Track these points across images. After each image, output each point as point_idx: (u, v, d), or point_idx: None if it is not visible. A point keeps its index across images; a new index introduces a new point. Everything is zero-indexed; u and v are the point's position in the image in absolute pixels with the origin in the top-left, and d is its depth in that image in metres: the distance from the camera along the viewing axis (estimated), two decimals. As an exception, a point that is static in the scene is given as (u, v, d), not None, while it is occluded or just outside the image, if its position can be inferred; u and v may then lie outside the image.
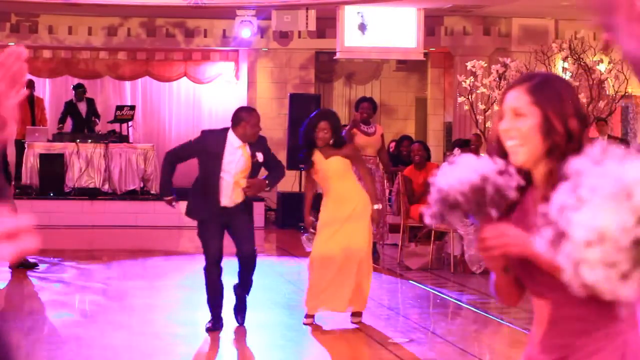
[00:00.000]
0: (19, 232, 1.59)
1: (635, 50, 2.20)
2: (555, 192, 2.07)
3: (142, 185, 15.88)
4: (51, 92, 18.08)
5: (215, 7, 15.68)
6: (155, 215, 14.96)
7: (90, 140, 15.71)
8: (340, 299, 7.84)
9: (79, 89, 16.59)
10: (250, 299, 7.80)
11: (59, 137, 15.90)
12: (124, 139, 16.12)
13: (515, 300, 2.56)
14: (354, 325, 7.92)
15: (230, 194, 7.46)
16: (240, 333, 7.70)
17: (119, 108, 16.51)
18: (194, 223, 7.67)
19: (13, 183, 13.27)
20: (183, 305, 8.87)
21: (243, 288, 7.70)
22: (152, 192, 15.72)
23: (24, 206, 12.95)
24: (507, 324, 8.03)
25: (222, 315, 7.68)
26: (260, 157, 7.49)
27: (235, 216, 7.48)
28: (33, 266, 10.61)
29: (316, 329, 7.81)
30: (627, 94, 14.58)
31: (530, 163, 2.43)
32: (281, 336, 7.72)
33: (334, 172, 7.82)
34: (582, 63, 14.09)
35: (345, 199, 7.84)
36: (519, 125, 2.42)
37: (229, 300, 7.72)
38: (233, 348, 7.54)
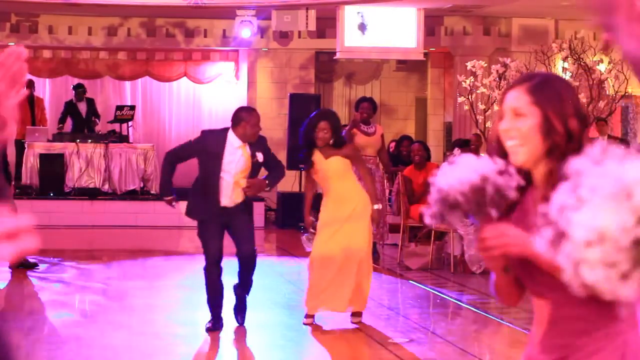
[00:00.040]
0: (19, 232, 1.59)
1: (635, 50, 2.20)
2: (555, 192, 2.07)
3: (142, 185, 15.88)
4: (51, 92, 18.08)
5: (215, 7, 15.69)
6: (155, 215, 14.96)
7: (90, 140, 15.71)
8: (341, 299, 7.84)
9: (79, 89, 16.59)
10: (250, 299, 7.80)
11: (59, 137, 15.91)
12: (124, 139, 16.12)
13: (516, 300, 2.57)
14: (354, 325, 7.93)
15: (230, 194, 7.46)
16: (240, 333, 7.70)
17: (119, 108, 16.51)
18: (194, 223, 7.67)
19: (13, 183, 13.28)
20: (183, 305, 8.87)
21: (243, 288, 7.70)
22: (152, 192, 15.72)
23: (24, 206, 12.94)
24: (507, 324, 8.03)
25: (222, 315, 7.69)
26: (260, 157, 7.49)
27: (235, 216, 7.48)
28: (33, 266, 10.61)
29: (316, 329, 7.81)
30: (627, 94, 14.58)
31: (530, 163, 2.43)
32: (281, 336, 7.73)
33: (334, 172, 7.82)
34: (582, 63, 14.09)
35: (345, 199, 7.84)
36: (519, 125, 2.42)
37: (229, 300, 7.72)
38: (233, 348, 7.54)
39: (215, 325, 7.62)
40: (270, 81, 17.65)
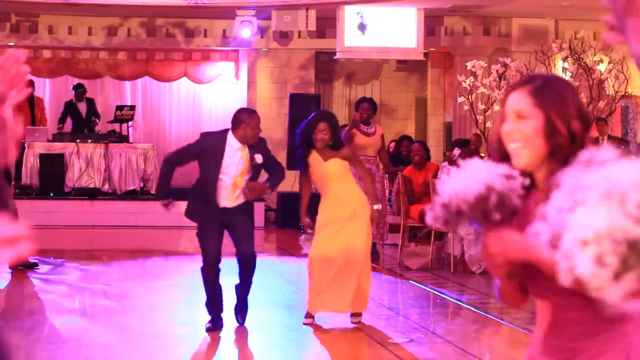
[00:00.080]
0: (17, 238, 1.61)
1: None
2: (553, 193, 2.08)
3: (142, 185, 15.88)
4: (51, 92, 18.08)
5: (215, 7, 15.69)
6: (155, 215, 14.95)
7: (90, 140, 15.72)
8: (342, 301, 7.84)
9: (79, 89, 16.59)
10: (250, 299, 7.80)
11: (59, 137, 15.91)
12: (124, 139, 16.12)
13: (520, 303, 2.56)
14: (354, 325, 7.93)
15: (229, 196, 7.45)
16: (241, 333, 7.70)
17: (119, 108, 16.51)
18: (194, 223, 7.67)
19: (13, 183, 13.27)
20: (183, 305, 8.87)
21: (243, 288, 7.70)
22: (152, 192, 15.72)
23: (24, 206, 12.94)
24: (507, 324, 8.03)
25: (222, 315, 7.68)
26: (259, 159, 7.47)
27: (235, 216, 7.48)
28: (33, 266, 10.61)
29: (316, 328, 7.81)
30: (627, 94, 14.59)
31: (532, 165, 2.43)
32: (281, 336, 7.73)
33: (333, 174, 7.82)
34: (582, 63, 14.09)
35: (344, 200, 7.83)
36: (522, 127, 2.42)
37: (229, 300, 7.72)
38: (233, 348, 7.54)
39: (215, 325, 7.62)
40: (270, 81, 17.65)
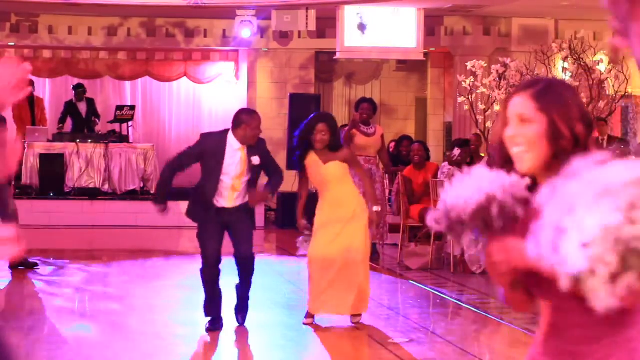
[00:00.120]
0: (5, 240, 1.64)
1: None
2: (548, 199, 2.09)
3: (142, 185, 15.88)
4: (51, 92, 18.08)
5: (215, 7, 15.68)
6: (155, 215, 14.76)
7: (90, 140, 15.72)
8: (344, 304, 7.84)
9: (79, 89, 16.59)
10: (250, 299, 7.80)
11: (59, 137, 15.91)
12: (124, 139, 16.12)
13: (527, 308, 2.55)
14: (354, 325, 7.92)
15: (229, 196, 7.45)
16: (241, 333, 7.70)
17: (119, 108, 16.51)
18: (194, 223, 7.67)
19: (13, 183, 13.28)
20: (183, 305, 8.87)
21: (243, 289, 7.69)
22: (152, 192, 15.71)
23: (24, 206, 12.94)
24: (507, 324, 8.03)
25: (222, 315, 7.68)
26: (256, 160, 7.46)
27: (235, 217, 7.48)
28: (33, 266, 10.61)
29: (316, 328, 7.81)
30: (627, 94, 14.58)
31: (536, 169, 2.42)
32: (281, 336, 7.72)
33: (332, 176, 7.81)
34: (582, 63, 14.08)
35: (342, 202, 7.83)
36: (526, 131, 2.41)
37: (229, 300, 7.72)
38: (233, 348, 7.54)
39: (215, 326, 7.62)
40: (270, 81, 17.65)
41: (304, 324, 7.87)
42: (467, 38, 17.22)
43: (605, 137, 13.74)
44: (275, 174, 7.64)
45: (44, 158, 15.36)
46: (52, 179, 15.31)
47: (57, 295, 9.45)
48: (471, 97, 13.82)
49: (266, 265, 10.48)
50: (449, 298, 9.41)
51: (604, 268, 1.98)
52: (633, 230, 1.99)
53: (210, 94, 18.18)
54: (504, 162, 2.45)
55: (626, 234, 1.97)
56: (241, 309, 7.78)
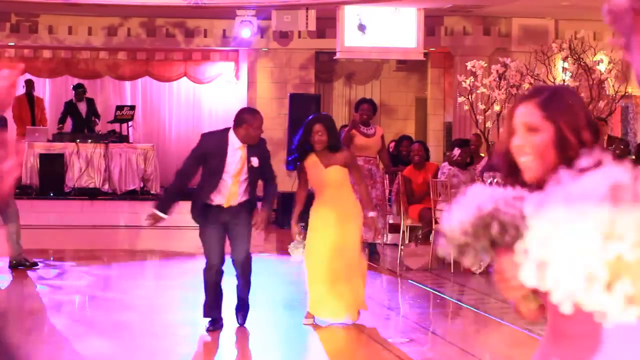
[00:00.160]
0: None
1: None
2: (531, 221, 2.10)
3: (142, 185, 15.88)
4: (51, 92, 18.08)
5: (215, 7, 15.69)
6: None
7: (90, 140, 15.72)
8: (342, 307, 7.86)
9: (79, 89, 16.59)
10: (250, 299, 7.80)
11: (59, 137, 15.91)
12: (124, 139, 16.12)
13: (539, 317, 2.55)
14: (354, 325, 7.92)
15: (228, 195, 7.45)
16: (241, 333, 7.70)
17: (119, 108, 16.51)
18: (194, 223, 7.66)
19: (13, 183, 13.26)
20: (183, 305, 8.86)
21: (243, 289, 7.69)
22: (152, 192, 15.73)
23: (24, 206, 12.93)
24: (507, 324, 8.03)
25: (222, 315, 7.68)
26: (255, 162, 7.45)
27: (235, 217, 7.47)
28: (33, 266, 10.61)
29: (316, 329, 7.82)
30: (627, 94, 14.58)
31: (544, 177, 2.41)
32: (281, 336, 7.73)
33: (333, 181, 7.81)
34: (582, 63, 14.08)
35: (338, 205, 7.83)
36: (533, 140, 2.41)
37: (229, 300, 7.72)
38: (233, 348, 7.54)
39: (215, 326, 7.62)
40: (270, 81, 17.65)
41: (304, 324, 7.87)
42: (467, 38, 17.22)
43: (605, 137, 13.74)
44: (269, 184, 7.64)
45: (44, 158, 15.36)
46: (52, 179, 15.31)
47: (57, 295, 9.45)
48: (471, 97, 13.81)
49: (266, 265, 10.48)
50: (449, 298, 9.41)
51: (599, 282, 1.98)
52: (616, 248, 1.98)
53: (210, 94, 18.19)
54: (511, 171, 2.45)
55: (610, 252, 1.97)
56: (241, 309, 7.78)
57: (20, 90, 16.06)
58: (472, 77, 13.80)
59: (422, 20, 16.41)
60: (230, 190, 7.43)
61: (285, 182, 15.33)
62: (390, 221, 12.05)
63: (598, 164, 2.24)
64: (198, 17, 16.94)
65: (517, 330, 7.74)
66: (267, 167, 7.60)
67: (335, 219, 7.77)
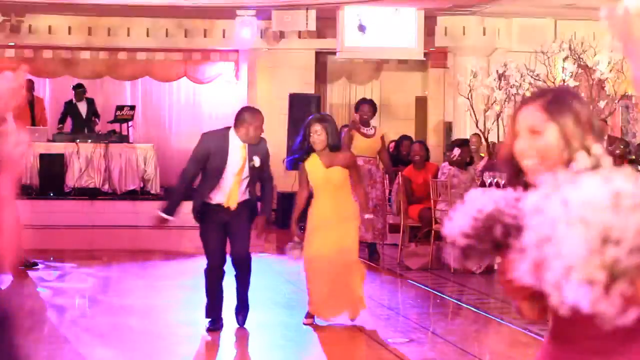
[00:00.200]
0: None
1: None
2: (526, 224, 2.10)
3: (142, 185, 15.88)
4: (51, 92, 18.07)
5: (215, 7, 15.69)
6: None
7: (90, 140, 15.71)
8: (342, 307, 7.87)
9: (79, 89, 16.59)
10: (250, 299, 7.80)
11: (59, 137, 15.91)
12: (124, 139, 16.12)
13: (542, 317, 2.55)
14: (354, 325, 7.93)
15: (229, 194, 7.45)
16: (241, 333, 7.70)
17: (119, 108, 16.51)
18: (194, 223, 7.66)
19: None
20: (183, 305, 8.87)
21: (242, 289, 7.69)
22: (152, 192, 15.73)
23: (24, 206, 12.92)
24: (507, 324, 8.03)
25: (222, 315, 7.68)
26: (257, 161, 7.46)
27: (235, 216, 7.48)
28: (33, 266, 10.61)
29: (316, 329, 7.82)
30: (627, 94, 14.58)
31: None
32: (281, 336, 7.73)
33: (334, 181, 7.82)
34: (582, 63, 14.08)
35: (336, 205, 7.84)
36: (537, 143, 2.41)
37: (229, 300, 7.72)
38: (233, 348, 7.54)
39: (215, 326, 7.62)
40: (270, 81, 17.64)
41: (304, 324, 7.87)
42: (467, 38, 17.22)
43: (605, 137, 13.74)
44: (266, 185, 7.65)
45: (43, 158, 15.35)
46: (52, 179, 15.31)
47: (57, 295, 9.45)
48: (471, 97, 13.82)
49: (266, 265, 10.48)
50: (449, 298, 9.41)
51: (598, 284, 1.98)
52: (615, 251, 1.99)
53: (210, 94, 18.18)
54: (516, 175, 2.44)
55: (610, 254, 1.97)
56: (241, 310, 7.78)
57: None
58: (472, 77, 13.80)
59: (422, 20, 16.40)
60: (231, 189, 7.43)
61: (285, 182, 15.34)
62: (390, 221, 12.05)
63: (598, 166, 2.25)
64: (198, 17, 16.94)
65: (517, 330, 7.74)
66: (266, 168, 7.61)
67: (334, 219, 7.78)
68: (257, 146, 7.49)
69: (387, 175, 12.09)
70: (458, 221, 2.35)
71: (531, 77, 13.55)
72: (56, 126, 16.43)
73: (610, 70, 14.07)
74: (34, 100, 16.38)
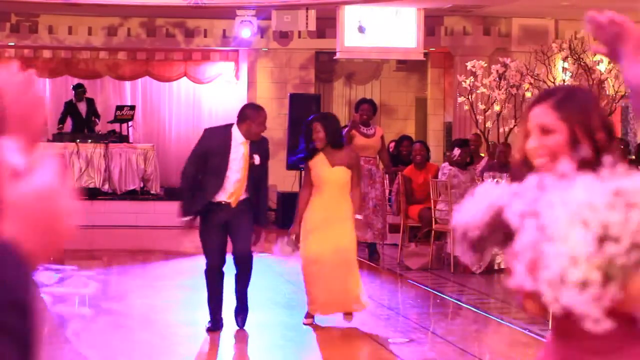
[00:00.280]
0: None
1: (636, 78, 2.21)
2: (523, 224, 2.10)
3: (142, 185, 15.88)
4: (51, 92, 18.07)
5: (215, 7, 15.68)
6: (155, 215, 14.95)
7: (90, 140, 15.72)
8: (341, 305, 7.87)
9: (79, 89, 16.59)
10: (250, 299, 7.80)
11: (59, 137, 15.91)
12: (124, 139, 16.12)
13: (545, 314, 2.54)
14: (354, 325, 7.92)
15: (230, 192, 7.44)
16: (241, 333, 7.70)
17: (119, 108, 16.51)
18: (194, 223, 7.65)
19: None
20: (183, 305, 8.87)
21: (241, 288, 7.68)
22: (152, 192, 15.73)
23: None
24: (507, 324, 8.03)
25: (222, 315, 7.68)
26: (257, 159, 7.46)
27: (236, 214, 7.47)
28: (33, 266, 10.60)
29: (316, 329, 7.82)
30: (627, 94, 14.58)
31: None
32: (281, 336, 7.73)
33: (336, 180, 7.82)
34: (582, 63, 14.09)
35: (334, 204, 7.84)
36: (547, 142, 2.40)
37: (229, 300, 7.72)
38: (233, 348, 7.54)
39: (215, 326, 7.62)
40: (270, 81, 17.64)
41: (304, 324, 7.87)
42: (467, 38, 17.22)
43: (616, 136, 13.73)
44: (262, 187, 7.63)
45: (44, 158, 15.34)
46: (52, 179, 15.29)
47: (57, 295, 9.45)
48: (471, 97, 13.83)
49: (266, 265, 10.48)
50: (449, 298, 9.41)
51: (592, 286, 1.98)
52: (613, 249, 1.99)
53: (210, 94, 18.18)
54: (528, 173, 2.44)
55: (607, 254, 1.98)
56: (241, 312, 7.75)
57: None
58: (472, 77, 13.81)
59: (422, 21, 16.40)
60: (234, 187, 7.42)
61: (286, 182, 15.35)
62: (390, 221, 12.05)
63: (598, 166, 2.24)
64: (198, 17, 16.94)
65: (517, 330, 7.74)
66: (264, 169, 7.61)
67: (332, 218, 7.78)
68: (259, 145, 7.49)
69: (387, 175, 12.10)
70: (469, 213, 2.35)
71: (531, 77, 13.54)
72: (56, 126, 16.43)
73: (610, 70, 14.09)
74: (34, 100, 16.36)
